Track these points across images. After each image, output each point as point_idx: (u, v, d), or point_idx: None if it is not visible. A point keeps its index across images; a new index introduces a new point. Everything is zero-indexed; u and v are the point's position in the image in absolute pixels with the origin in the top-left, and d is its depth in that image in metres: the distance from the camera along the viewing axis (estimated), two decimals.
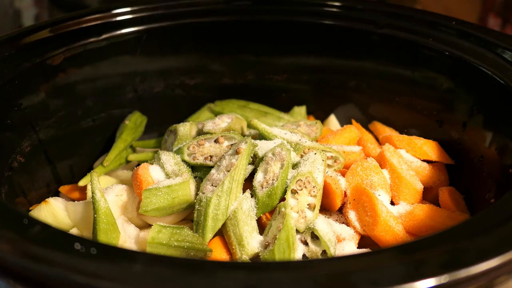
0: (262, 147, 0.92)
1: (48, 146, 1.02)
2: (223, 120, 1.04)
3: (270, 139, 0.96)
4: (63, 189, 1.04)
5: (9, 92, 0.92)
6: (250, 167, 0.92)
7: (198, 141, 0.96)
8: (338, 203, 0.89)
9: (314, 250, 0.82)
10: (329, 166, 0.96)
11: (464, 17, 1.09)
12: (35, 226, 0.58)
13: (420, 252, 0.54)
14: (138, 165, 0.97)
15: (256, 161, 0.92)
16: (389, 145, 1.00)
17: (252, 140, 0.94)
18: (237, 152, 0.89)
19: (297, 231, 0.84)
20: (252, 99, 1.21)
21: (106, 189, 0.93)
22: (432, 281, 0.50)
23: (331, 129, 1.14)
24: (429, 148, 1.01)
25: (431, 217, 0.86)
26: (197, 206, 0.85)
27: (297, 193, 0.85)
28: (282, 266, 0.54)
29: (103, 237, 0.82)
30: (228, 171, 0.87)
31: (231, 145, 0.94)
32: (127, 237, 0.86)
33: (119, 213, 0.91)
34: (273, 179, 0.87)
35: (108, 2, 2.02)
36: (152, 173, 0.93)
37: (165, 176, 0.93)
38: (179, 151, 0.97)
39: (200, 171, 0.95)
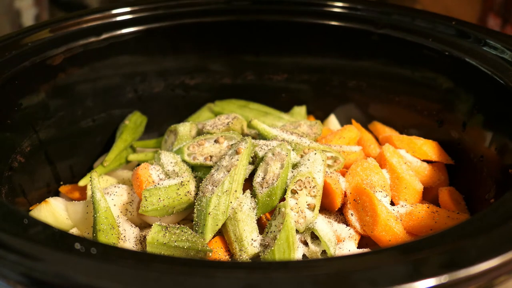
0: (262, 147, 0.93)
1: (48, 146, 1.02)
2: (223, 120, 1.04)
3: (270, 139, 0.97)
4: (63, 189, 1.04)
5: (9, 92, 0.92)
6: (250, 167, 0.92)
7: (198, 141, 0.96)
8: (338, 203, 0.89)
9: (314, 250, 0.82)
10: (329, 166, 0.96)
11: (464, 17, 1.09)
12: (35, 226, 0.58)
13: (420, 252, 0.54)
14: (138, 165, 0.97)
15: (256, 161, 0.92)
16: (389, 145, 1.00)
17: (252, 140, 0.94)
18: (237, 152, 0.89)
19: (297, 231, 0.84)
20: (252, 99, 1.21)
21: (106, 189, 0.93)
22: (432, 281, 0.50)
23: (331, 129, 1.14)
24: (429, 148, 1.01)
25: (431, 217, 0.86)
26: (197, 206, 0.85)
27: (297, 193, 0.85)
28: (282, 266, 0.54)
29: (103, 237, 0.82)
30: (228, 171, 0.87)
31: (231, 145, 0.94)
32: (127, 237, 0.86)
33: (119, 213, 0.91)
34: (273, 179, 0.87)
35: (108, 2, 2.03)
36: (152, 173, 0.93)
37: (165, 176, 0.93)
38: (179, 151, 0.97)
39: (200, 171, 0.95)
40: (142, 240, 0.87)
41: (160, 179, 0.92)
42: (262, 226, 0.87)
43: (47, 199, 0.93)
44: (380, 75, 1.15)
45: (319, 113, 1.23)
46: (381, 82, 1.15)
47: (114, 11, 1.11)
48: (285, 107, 1.22)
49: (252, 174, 0.91)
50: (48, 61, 1.00)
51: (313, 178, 0.86)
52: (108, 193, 0.92)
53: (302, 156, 0.94)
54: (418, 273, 0.51)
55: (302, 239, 0.84)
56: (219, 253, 0.83)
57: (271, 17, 1.17)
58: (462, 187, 0.98)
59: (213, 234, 0.83)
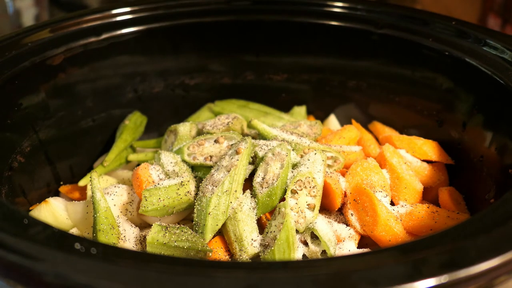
0: (262, 147, 0.93)
1: (48, 146, 1.02)
2: (223, 120, 1.04)
3: (270, 139, 0.97)
4: (63, 189, 1.04)
5: (9, 92, 0.92)
6: (250, 167, 0.92)
7: (198, 141, 0.96)
8: (338, 203, 0.89)
9: (314, 250, 0.82)
10: (329, 166, 0.96)
11: (464, 17, 1.09)
12: (35, 226, 0.58)
13: (420, 252, 0.54)
14: (138, 165, 0.97)
15: (256, 161, 0.92)
16: (389, 145, 1.00)
17: (252, 140, 0.94)
18: (237, 152, 0.89)
19: (297, 231, 0.84)
20: (252, 99, 1.21)
21: (106, 189, 0.93)
22: (432, 281, 0.50)
23: (331, 129, 1.14)
24: (429, 148, 1.01)
25: (431, 217, 0.86)
26: (197, 206, 0.85)
27: (297, 193, 0.85)
28: (282, 266, 0.54)
29: (103, 237, 0.82)
30: (228, 171, 0.87)
31: (231, 145, 0.94)
32: (127, 237, 0.86)
33: (119, 213, 0.91)
34: (273, 179, 0.87)
35: (108, 2, 2.02)
36: (152, 173, 0.93)
37: (165, 176, 0.93)
38: (179, 151, 0.97)
39: (200, 171, 0.95)
40: (142, 240, 0.87)
41: (160, 179, 0.92)
42: (262, 226, 0.87)
43: (47, 199, 0.93)
44: (380, 75, 1.15)
45: (319, 113, 1.23)
46: (381, 82, 1.15)
47: (114, 11, 1.11)
48: (285, 107, 1.22)
49: (252, 174, 0.91)
50: (48, 61, 1.00)
51: (313, 178, 0.86)
52: (108, 193, 0.92)
53: (302, 156, 0.94)
54: (418, 273, 0.51)
55: (302, 239, 0.84)
56: (219, 253, 0.83)
57: (271, 17, 1.17)
58: (462, 187, 0.98)
59: (213, 234, 0.83)
